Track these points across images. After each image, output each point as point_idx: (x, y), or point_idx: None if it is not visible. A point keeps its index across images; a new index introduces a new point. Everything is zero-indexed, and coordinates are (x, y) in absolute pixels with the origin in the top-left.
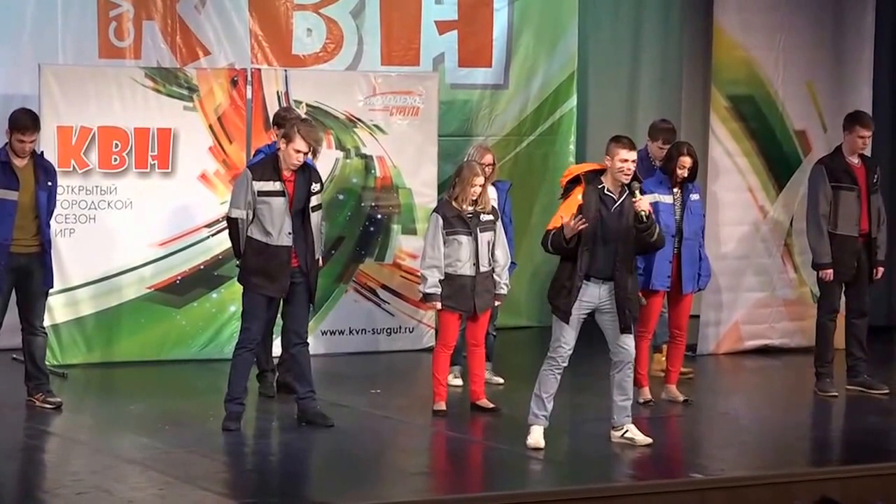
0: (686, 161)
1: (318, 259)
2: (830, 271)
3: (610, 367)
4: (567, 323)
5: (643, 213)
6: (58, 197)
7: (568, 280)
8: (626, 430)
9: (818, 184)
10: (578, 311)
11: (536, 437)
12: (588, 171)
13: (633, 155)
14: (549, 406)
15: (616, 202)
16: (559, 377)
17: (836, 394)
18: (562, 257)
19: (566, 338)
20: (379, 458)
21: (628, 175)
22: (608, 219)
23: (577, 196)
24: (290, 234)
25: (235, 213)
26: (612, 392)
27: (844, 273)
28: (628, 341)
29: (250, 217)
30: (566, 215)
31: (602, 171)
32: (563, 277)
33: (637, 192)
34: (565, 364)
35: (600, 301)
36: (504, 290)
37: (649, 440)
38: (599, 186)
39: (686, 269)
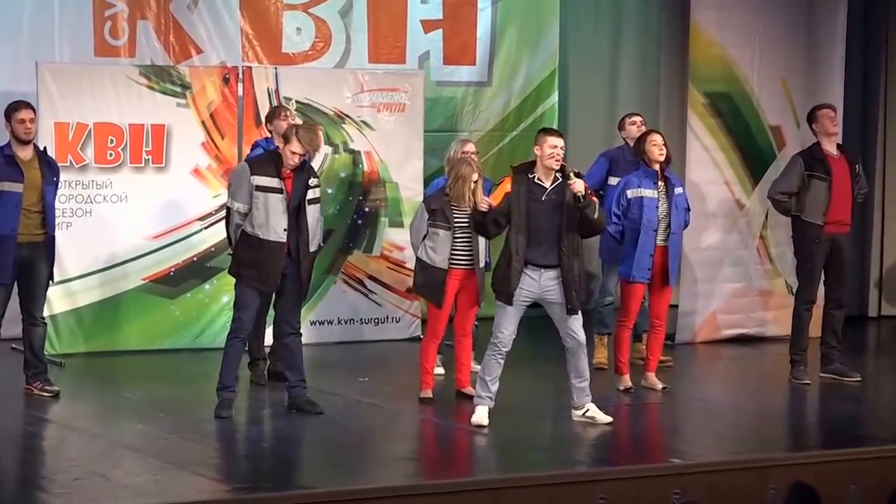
0: (656, 138)
1: (318, 249)
2: None
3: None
4: (510, 305)
5: (579, 193)
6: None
7: (507, 265)
8: (587, 409)
9: (792, 167)
10: (518, 299)
11: (480, 415)
12: (518, 164)
13: (560, 142)
14: (494, 388)
15: (547, 191)
16: (502, 362)
17: (809, 381)
18: (505, 243)
19: (506, 323)
20: (367, 444)
21: (558, 161)
22: (540, 207)
23: (506, 185)
24: (285, 230)
25: (236, 205)
26: (570, 376)
27: (817, 258)
28: (576, 326)
29: (248, 210)
30: (494, 203)
31: (533, 164)
32: (503, 263)
33: (571, 174)
34: (507, 349)
35: (542, 290)
36: None
37: (609, 419)
38: (530, 176)
39: (671, 261)
